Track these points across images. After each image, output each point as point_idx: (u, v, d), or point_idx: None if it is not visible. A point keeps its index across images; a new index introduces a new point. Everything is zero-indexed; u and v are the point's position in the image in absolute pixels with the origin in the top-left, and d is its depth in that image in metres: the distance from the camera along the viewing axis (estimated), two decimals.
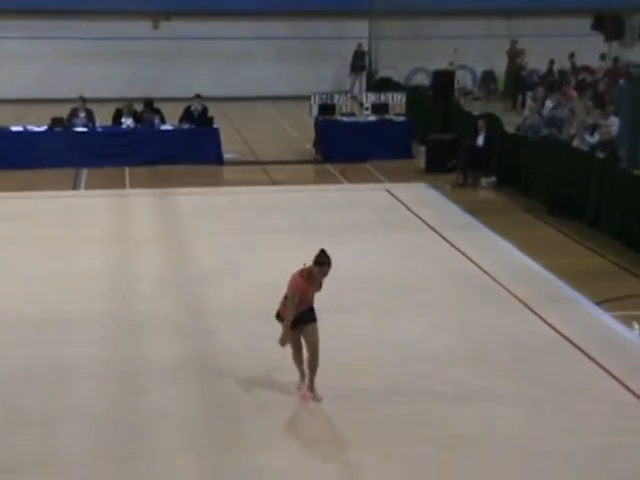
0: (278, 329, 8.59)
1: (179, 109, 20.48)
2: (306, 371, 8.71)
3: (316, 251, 8.31)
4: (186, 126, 20.10)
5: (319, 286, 8.49)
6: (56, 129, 19.69)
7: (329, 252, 8.35)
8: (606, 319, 10.91)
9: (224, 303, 11.32)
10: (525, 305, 11.28)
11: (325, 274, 8.36)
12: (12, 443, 7.93)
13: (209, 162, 19.60)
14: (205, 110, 20.38)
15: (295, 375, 8.83)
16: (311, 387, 8.68)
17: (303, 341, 8.57)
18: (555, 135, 17.73)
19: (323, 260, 8.32)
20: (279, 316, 8.57)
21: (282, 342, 8.48)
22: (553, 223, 15.24)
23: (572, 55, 28.03)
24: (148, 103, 20.71)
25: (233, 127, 23.79)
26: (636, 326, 10.69)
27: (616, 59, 28.37)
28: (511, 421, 8.36)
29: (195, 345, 10.11)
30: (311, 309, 8.52)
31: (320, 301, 9.72)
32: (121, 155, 19.49)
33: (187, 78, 27.90)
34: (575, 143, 17.02)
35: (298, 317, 8.42)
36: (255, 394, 8.84)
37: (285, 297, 8.48)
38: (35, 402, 8.69)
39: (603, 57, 28.28)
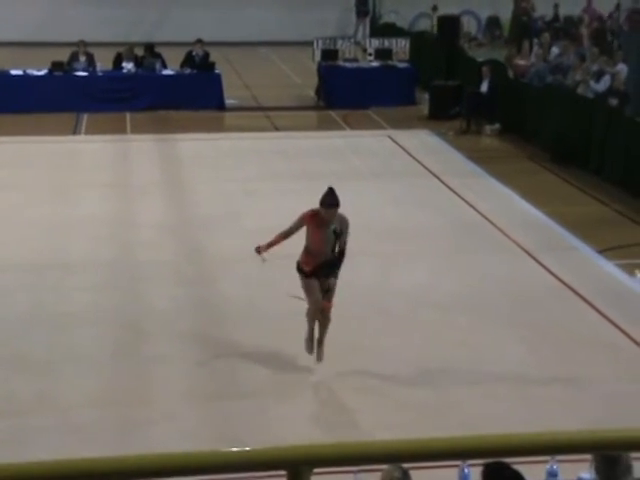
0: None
1: (180, 54, 20.27)
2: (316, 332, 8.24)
3: (319, 197, 8.08)
4: (187, 71, 19.91)
5: (337, 238, 7.94)
6: (56, 73, 19.50)
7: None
8: (608, 267, 10.88)
9: (225, 250, 11.29)
10: (527, 253, 11.24)
11: (332, 215, 7.86)
12: (14, 387, 7.95)
13: (210, 107, 19.45)
14: (207, 55, 20.18)
15: (299, 329, 8.63)
16: (321, 344, 8.21)
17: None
18: (560, 82, 17.55)
19: (324, 201, 7.88)
20: (299, 267, 8.11)
21: (257, 250, 8.07)
22: (557, 171, 15.15)
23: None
24: (149, 47, 20.49)
25: (235, 72, 23.57)
26: (638, 275, 10.65)
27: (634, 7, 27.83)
28: (512, 368, 8.37)
29: (196, 291, 10.09)
30: (329, 263, 8.01)
31: None
32: (122, 100, 19.32)
33: (189, 22, 27.56)
34: (580, 90, 16.86)
35: (317, 267, 7.97)
36: (255, 340, 8.84)
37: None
38: (36, 347, 8.70)
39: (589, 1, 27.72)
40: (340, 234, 8.00)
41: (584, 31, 23.99)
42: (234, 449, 2.25)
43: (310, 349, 8.28)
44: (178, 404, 7.72)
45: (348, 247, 8.07)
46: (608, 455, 4.26)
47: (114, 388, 7.98)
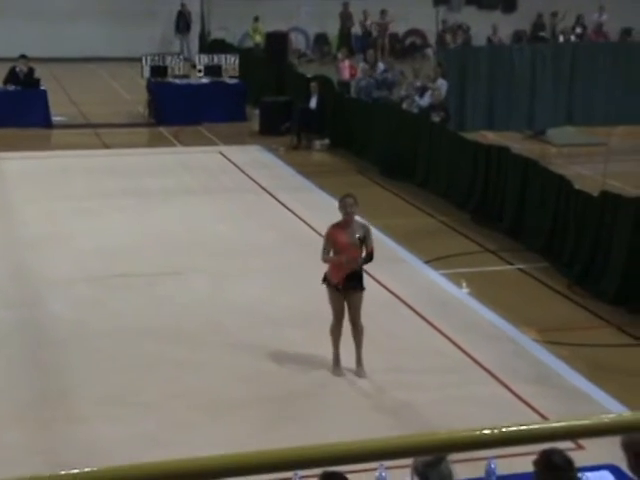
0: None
1: (3, 70, 19.70)
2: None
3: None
4: (11, 88, 19.38)
5: (360, 241, 8.35)
6: None
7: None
8: (435, 277, 11.24)
9: (55, 270, 11.03)
10: None
11: (347, 205, 8.31)
12: None
13: (37, 125, 18.97)
14: (31, 71, 19.69)
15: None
16: (359, 361, 8.55)
17: (346, 308, 8.46)
18: (386, 97, 18.04)
19: (340, 200, 8.44)
20: (326, 278, 8.45)
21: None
22: (385, 184, 15.54)
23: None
24: None
25: (62, 89, 23.07)
26: (464, 284, 11.06)
27: (444, 22, 29.07)
28: (343, 379, 8.53)
29: (24, 314, 9.82)
30: (356, 275, 8.40)
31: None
32: None
33: (11, 37, 26.81)
34: (405, 105, 17.38)
35: (343, 280, 8.30)
36: (86, 362, 8.68)
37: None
38: None
39: (383, 13, 28.68)
40: (364, 239, 8.43)
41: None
42: (62, 472, 2.24)
43: (338, 371, 8.52)
44: (6, 430, 7.49)
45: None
46: (428, 460, 4.42)
47: None
